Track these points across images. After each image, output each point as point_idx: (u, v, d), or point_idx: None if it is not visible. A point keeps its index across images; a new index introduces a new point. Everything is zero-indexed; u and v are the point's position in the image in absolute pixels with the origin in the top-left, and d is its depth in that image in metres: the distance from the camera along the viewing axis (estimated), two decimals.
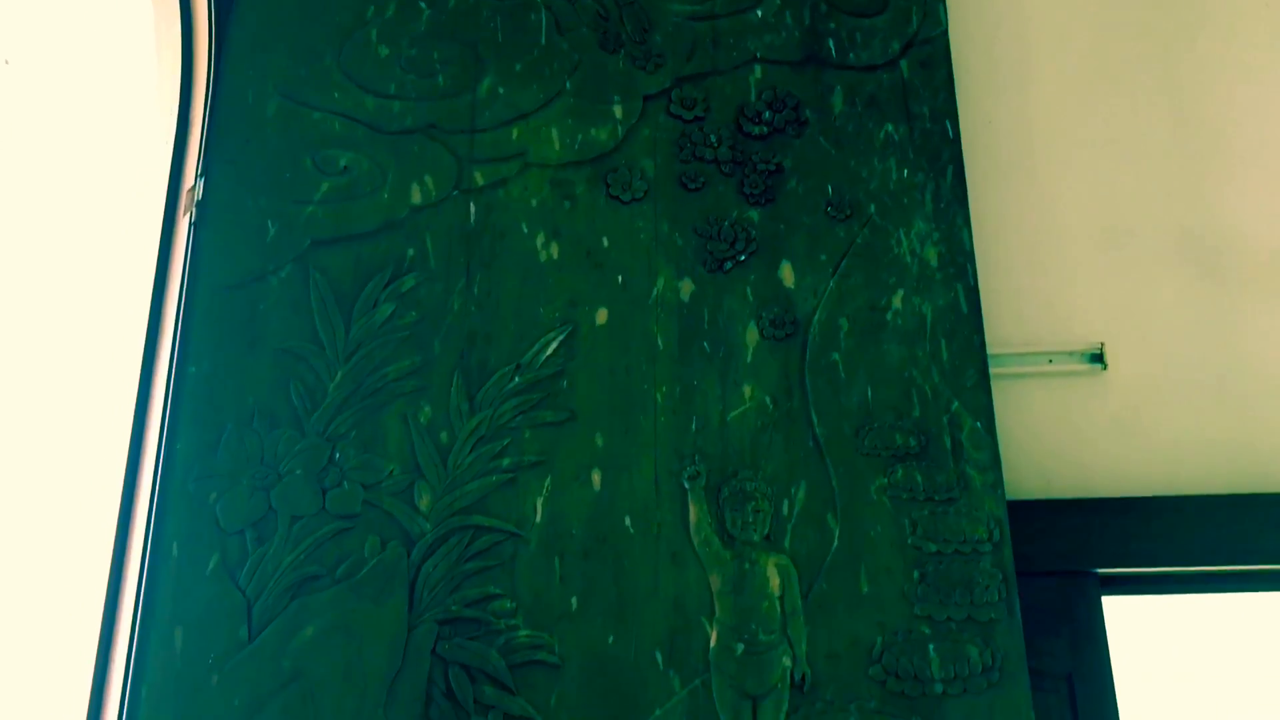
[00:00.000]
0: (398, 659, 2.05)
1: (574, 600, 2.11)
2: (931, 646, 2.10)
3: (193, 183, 2.37)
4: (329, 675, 2.02)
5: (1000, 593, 2.14)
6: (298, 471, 2.15)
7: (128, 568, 2.11)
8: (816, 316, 2.33)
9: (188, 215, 2.34)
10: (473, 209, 2.38)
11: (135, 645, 2.01)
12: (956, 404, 2.27)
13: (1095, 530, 2.33)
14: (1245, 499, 2.35)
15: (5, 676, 2.23)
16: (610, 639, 2.09)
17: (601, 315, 2.32)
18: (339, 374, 2.23)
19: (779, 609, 2.13)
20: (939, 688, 2.08)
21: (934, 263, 2.37)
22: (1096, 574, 2.34)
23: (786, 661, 2.09)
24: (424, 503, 2.16)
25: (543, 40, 2.52)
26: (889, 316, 2.34)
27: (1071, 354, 2.52)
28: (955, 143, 2.47)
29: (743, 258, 2.37)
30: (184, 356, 2.21)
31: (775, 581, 2.14)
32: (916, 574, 2.15)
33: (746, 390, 2.27)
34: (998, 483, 2.21)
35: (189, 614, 2.04)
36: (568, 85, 2.49)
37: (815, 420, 2.25)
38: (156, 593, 2.04)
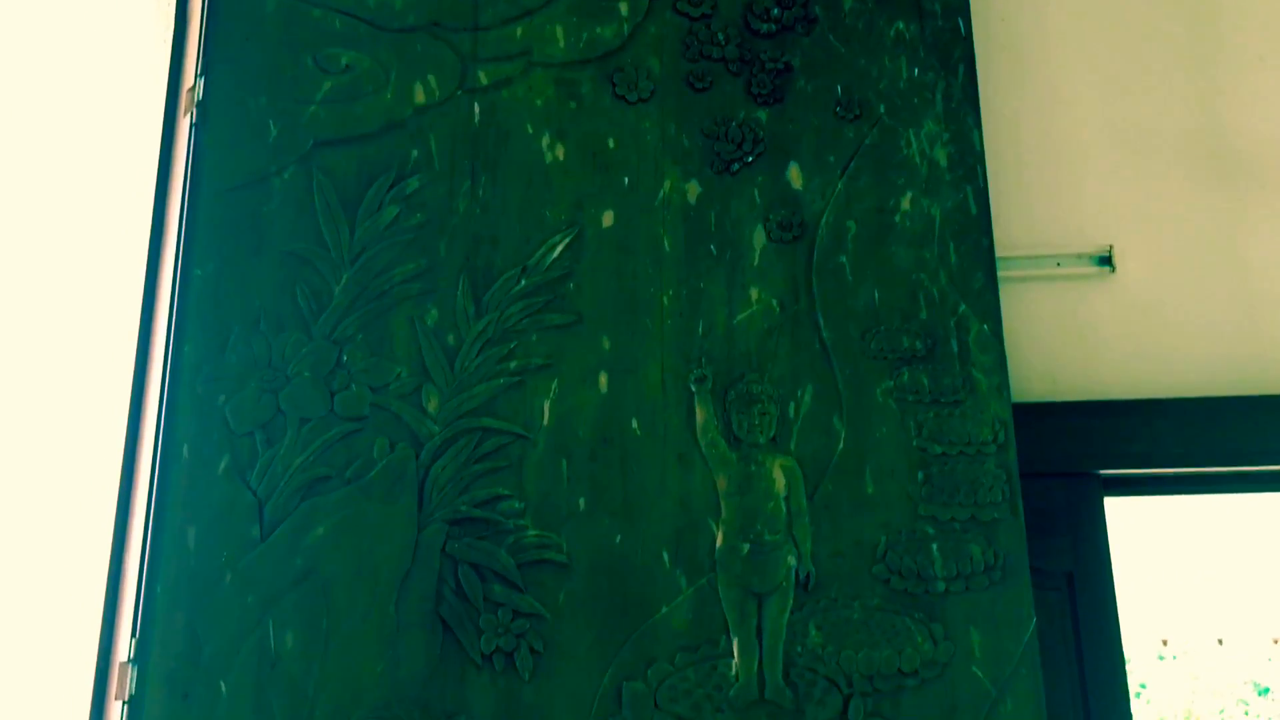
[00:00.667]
0: (408, 558, 2.07)
1: (581, 501, 2.13)
2: (935, 546, 2.13)
3: (193, 82, 2.34)
4: (341, 573, 2.05)
5: (1004, 493, 2.16)
6: (305, 374, 2.16)
7: (139, 470, 2.13)
8: (824, 219, 2.32)
9: (188, 116, 2.31)
10: (477, 109, 2.35)
11: (149, 545, 2.03)
12: (964, 307, 2.26)
13: (1099, 432, 2.35)
14: (1250, 400, 2.36)
15: (19, 579, 2.27)
16: (618, 538, 2.12)
17: (608, 218, 2.30)
18: (344, 277, 2.22)
19: (784, 509, 2.15)
20: (941, 585, 2.11)
21: (943, 164, 2.35)
22: (1099, 475, 2.36)
23: (791, 561, 2.12)
24: (432, 405, 2.16)
25: None
26: (897, 219, 2.32)
27: (1080, 257, 2.50)
28: (967, 40, 2.43)
29: (750, 159, 2.35)
30: (189, 259, 2.20)
31: (781, 483, 2.16)
32: (921, 475, 2.17)
33: (753, 293, 2.27)
34: (1003, 385, 2.22)
35: (201, 514, 2.06)
36: None
37: (822, 323, 2.25)
38: (168, 493, 2.06)
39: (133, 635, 2.00)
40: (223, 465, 2.09)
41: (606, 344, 2.22)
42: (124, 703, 1.96)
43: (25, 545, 2.27)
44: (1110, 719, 2.24)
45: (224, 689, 1.97)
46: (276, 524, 2.07)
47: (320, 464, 2.11)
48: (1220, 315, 2.46)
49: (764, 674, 2.06)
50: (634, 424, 2.18)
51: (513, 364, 2.20)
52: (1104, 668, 2.28)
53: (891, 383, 2.22)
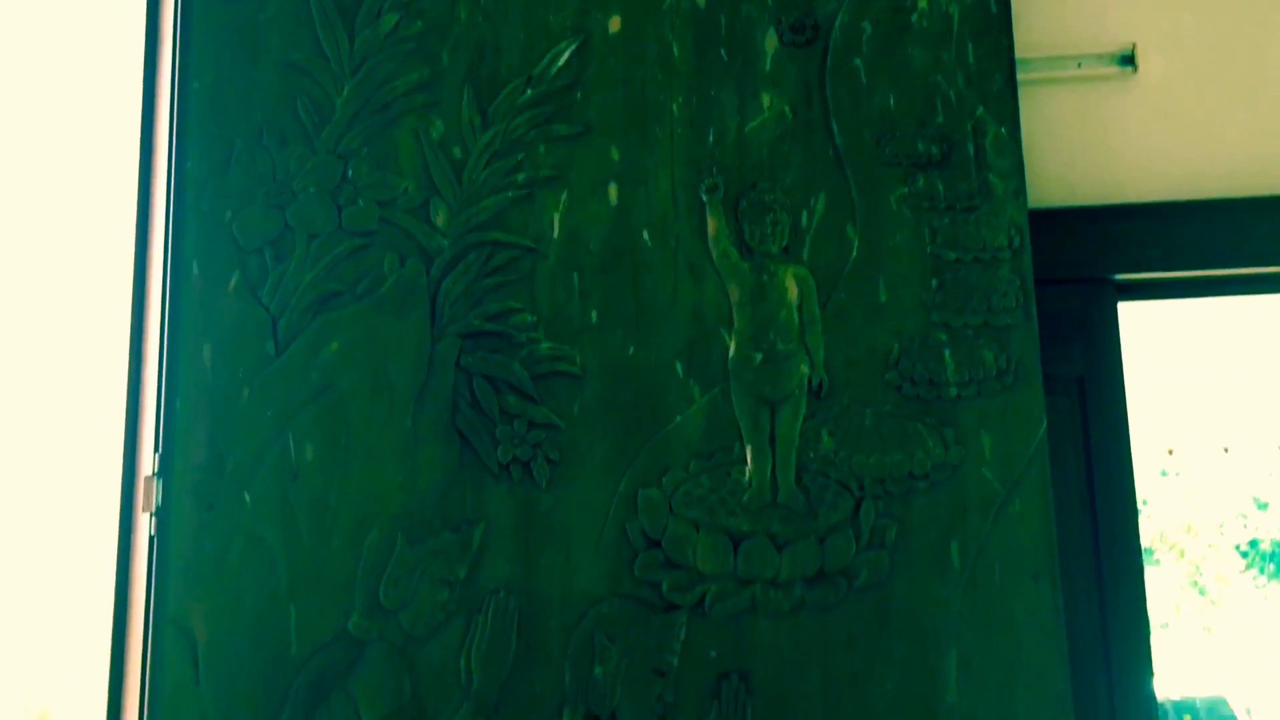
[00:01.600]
0: (422, 371, 2.09)
1: (594, 313, 2.13)
2: (947, 352, 2.13)
3: None
4: (357, 387, 2.07)
5: (1018, 299, 2.15)
6: (311, 189, 2.13)
7: (150, 288, 2.12)
8: (838, 20, 2.24)
9: None
10: None
11: (165, 362, 2.05)
12: (981, 109, 2.21)
13: (1116, 237, 2.32)
14: (1271, 201, 2.32)
15: (42, 399, 2.29)
16: (630, 350, 2.12)
17: (614, 23, 2.23)
18: (346, 89, 2.17)
19: (797, 318, 2.15)
20: (953, 391, 2.12)
21: None
22: (1114, 280, 2.35)
23: (804, 369, 2.13)
24: (440, 219, 2.14)
25: None
26: (914, 19, 2.24)
27: (1101, 56, 2.43)
28: None
29: None
30: (186, 72, 2.15)
31: (793, 292, 2.15)
32: (935, 282, 2.16)
33: (765, 100, 2.21)
34: (1020, 190, 2.18)
35: (215, 331, 2.07)
36: None
37: (835, 129, 2.20)
38: (181, 311, 2.07)
39: (156, 450, 2.03)
40: (233, 282, 2.09)
41: (615, 154, 2.18)
42: (151, 514, 2.01)
43: (45, 365, 2.29)
44: (1117, 519, 2.28)
45: (248, 500, 2.02)
46: (290, 340, 2.08)
47: (331, 279, 2.11)
48: (1242, 115, 2.40)
49: (777, 479, 2.09)
50: (645, 235, 2.16)
51: (520, 176, 2.17)
52: (1112, 470, 2.31)
53: (906, 189, 2.18)
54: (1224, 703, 8.96)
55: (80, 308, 2.29)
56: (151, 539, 2.00)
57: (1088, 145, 2.40)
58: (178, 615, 1.97)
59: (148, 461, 2.04)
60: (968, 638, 2.04)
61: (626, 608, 2.04)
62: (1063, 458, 2.27)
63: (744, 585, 2.05)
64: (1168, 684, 8.50)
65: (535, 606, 2.03)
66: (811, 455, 2.10)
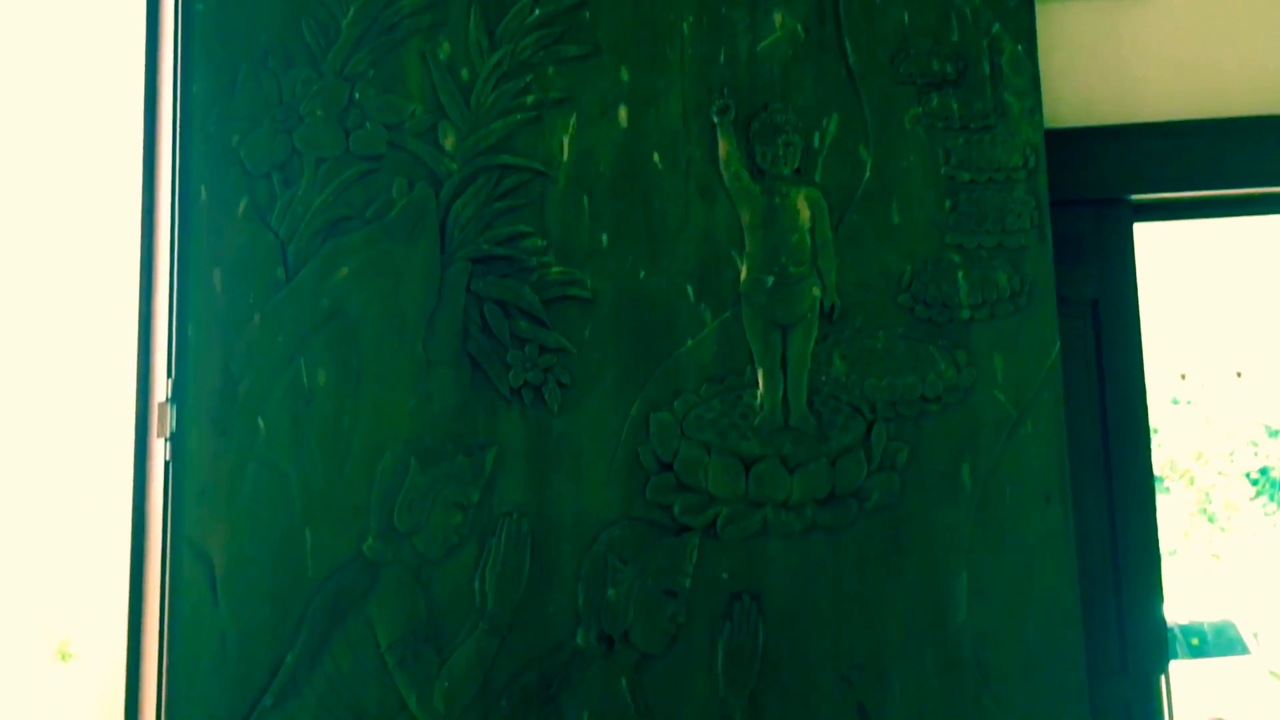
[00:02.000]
0: (433, 296, 2.08)
1: (604, 237, 2.12)
2: (960, 274, 2.12)
3: None
4: (367, 312, 2.07)
5: (1032, 219, 2.13)
6: (318, 112, 2.11)
7: (158, 213, 2.11)
8: None
9: None
10: None
11: (176, 288, 2.05)
12: (997, 27, 2.17)
13: (1132, 156, 2.29)
14: None
15: (54, 325, 2.29)
16: (641, 274, 2.11)
17: None
18: (351, 10, 2.14)
19: (809, 241, 2.13)
20: (966, 313, 2.11)
21: None
22: (1130, 201, 2.32)
23: (816, 292, 2.12)
24: (449, 142, 2.12)
25: None
26: None
27: None
28: None
29: None
30: None
31: (805, 214, 2.13)
32: (949, 203, 2.13)
33: (777, 18, 2.17)
34: (1036, 108, 2.15)
35: (225, 256, 2.06)
36: None
37: (848, 48, 2.17)
38: (190, 236, 2.06)
39: (169, 376, 2.03)
40: (242, 207, 2.08)
41: (625, 75, 2.15)
42: (166, 440, 2.02)
43: (57, 293, 2.29)
44: (1129, 442, 2.28)
45: (262, 425, 2.03)
46: (300, 265, 2.07)
47: (340, 204, 2.09)
48: (1263, 31, 2.35)
49: (788, 402, 2.09)
50: (655, 158, 2.14)
51: (529, 98, 2.14)
52: (1125, 393, 2.31)
53: (920, 109, 2.15)
54: (1231, 626, 9.03)
55: (90, 234, 2.28)
56: (167, 464, 2.02)
57: (1105, 63, 2.36)
58: (195, 539, 1.99)
59: (161, 387, 2.05)
60: (978, 559, 2.05)
61: (639, 530, 2.05)
62: (1075, 380, 2.26)
63: (755, 508, 2.06)
64: (1175, 609, 8.57)
65: (548, 529, 2.04)
66: (823, 378, 2.09)
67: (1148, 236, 2.44)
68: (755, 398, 2.09)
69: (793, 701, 2.02)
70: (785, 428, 2.08)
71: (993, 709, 2.01)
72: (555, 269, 2.11)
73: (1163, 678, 2.24)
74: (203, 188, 2.07)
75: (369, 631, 1.99)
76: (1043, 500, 2.07)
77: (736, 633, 2.03)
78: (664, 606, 2.03)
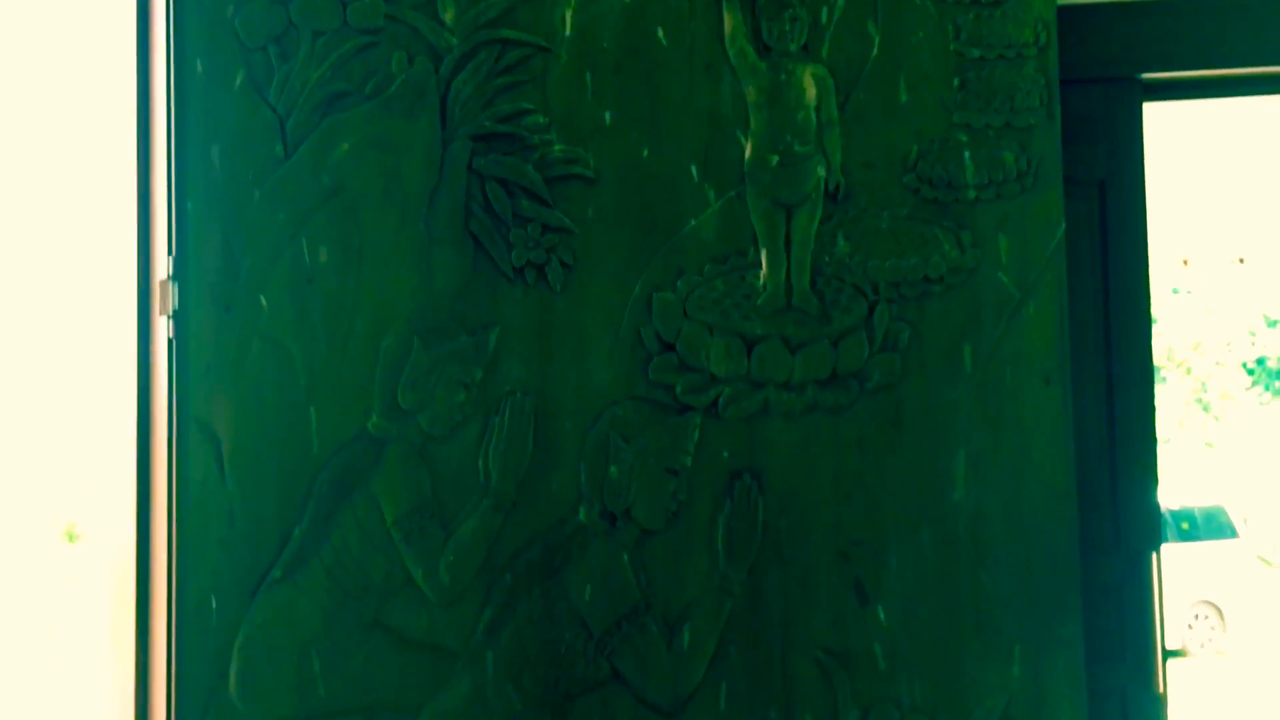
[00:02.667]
0: (434, 174, 2.06)
1: (607, 115, 2.09)
2: (967, 154, 2.10)
3: None
4: (368, 190, 2.05)
5: (1042, 98, 2.10)
6: None
7: (154, 87, 2.08)
8: None
9: None
10: None
11: (174, 164, 2.02)
12: None
13: (1145, 33, 2.25)
14: None
15: (54, 202, 2.28)
16: (645, 152, 2.09)
17: None
18: None
19: (814, 120, 2.10)
20: (972, 194, 2.09)
21: None
22: (1140, 80, 2.29)
23: (821, 171, 2.10)
24: (449, 15, 2.08)
25: None
26: None
27: None
28: None
29: None
30: None
31: (811, 92, 2.10)
32: (957, 81, 2.10)
33: None
34: None
35: (223, 131, 2.03)
36: None
37: None
38: (187, 111, 2.03)
39: (169, 253, 2.03)
40: (239, 81, 2.04)
41: None
42: (169, 317, 2.02)
43: (53, 168, 2.27)
44: (1131, 321, 2.29)
45: (264, 303, 2.03)
46: (299, 142, 2.04)
47: (338, 79, 2.06)
48: None
49: (791, 283, 2.09)
50: (659, 33, 2.10)
51: None
52: (1128, 276, 2.31)
53: None
54: (1222, 511, 9.18)
55: (85, 109, 2.25)
56: (170, 342, 2.02)
57: None
58: (200, 416, 2.01)
59: (162, 265, 2.04)
60: (976, 438, 2.07)
61: (641, 409, 2.07)
62: (1079, 263, 2.26)
63: (757, 388, 2.07)
64: (1167, 495, 8.69)
65: (551, 408, 2.06)
66: (826, 259, 2.09)
67: (1156, 116, 2.41)
68: (758, 278, 2.08)
69: (791, 577, 2.06)
70: (788, 308, 2.09)
71: (987, 583, 2.05)
72: (558, 147, 2.08)
73: (1154, 555, 2.29)
74: (199, 61, 2.03)
75: (375, 507, 2.02)
76: (1042, 381, 2.08)
77: (737, 510, 2.06)
78: (665, 484, 2.06)
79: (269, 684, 1.98)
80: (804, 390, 2.07)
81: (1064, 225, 2.08)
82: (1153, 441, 2.32)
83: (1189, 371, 13.70)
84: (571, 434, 2.06)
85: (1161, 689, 2.22)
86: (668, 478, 2.06)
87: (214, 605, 1.98)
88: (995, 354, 2.08)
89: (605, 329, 2.07)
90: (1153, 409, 2.33)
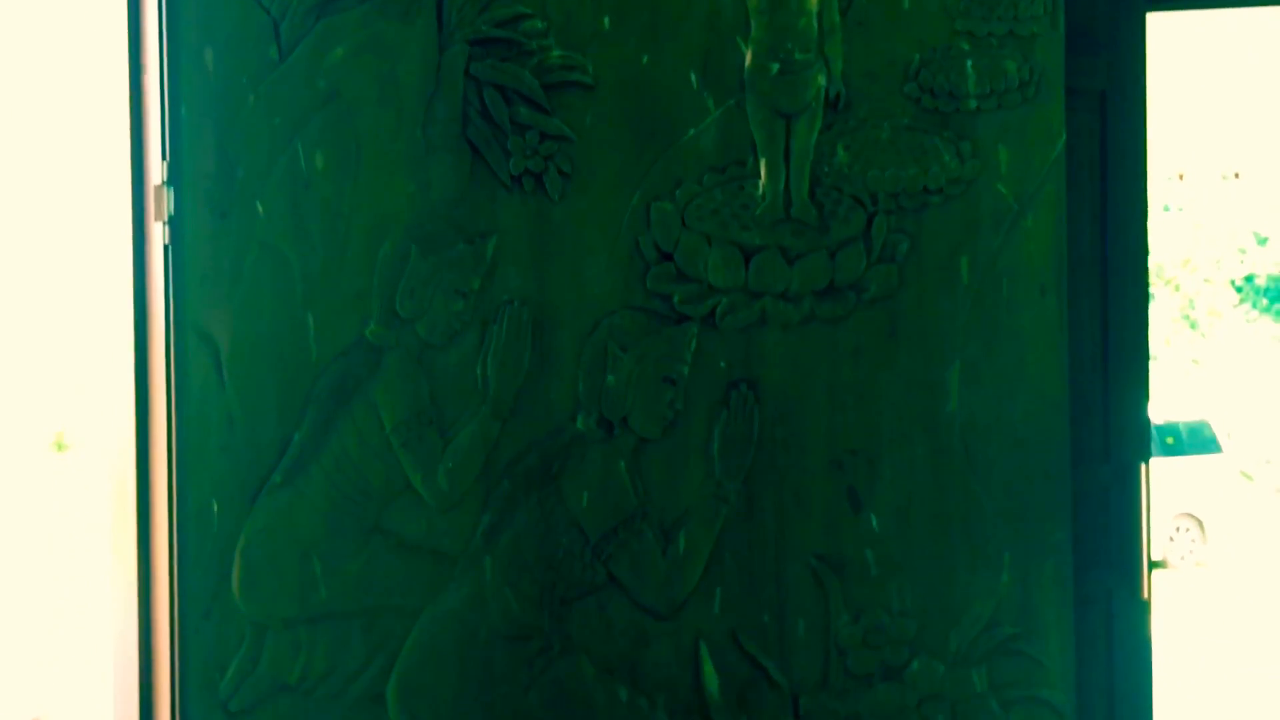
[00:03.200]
0: (431, 79, 2.04)
1: (606, 20, 2.06)
2: (969, 63, 2.08)
3: None
4: (364, 95, 2.03)
5: (1045, 6, 2.07)
6: None
7: None
8: None
9: None
10: None
11: (166, 66, 1.99)
12: None
13: None
14: None
15: (45, 105, 2.25)
16: (644, 59, 2.07)
17: None
18: None
19: (816, 27, 2.08)
20: (973, 104, 2.08)
21: None
22: None
23: (821, 80, 2.08)
24: None
25: None
26: None
27: None
28: None
29: None
30: None
31: None
32: None
33: None
34: None
35: (217, 34, 2.00)
36: None
37: None
38: (180, 13, 1.99)
39: (164, 158, 2.01)
40: None
41: None
42: (164, 223, 2.01)
43: (49, 71, 2.23)
44: (1128, 232, 2.29)
45: (260, 209, 2.01)
46: (294, 45, 2.01)
47: None
48: None
49: (790, 193, 2.08)
50: None
51: None
52: (1127, 188, 2.30)
53: None
54: (1206, 426, 9.28)
55: (76, 11, 2.21)
56: (166, 248, 2.01)
57: None
58: (198, 323, 2.01)
59: (156, 170, 2.02)
60: (972, 349, 2.09)
61: (638, 319, 2.07)
62: (1078, 174, 2.25)
63: (754, 298, 2.08)
64: (1152, 410, 8.79)
65: (549, 317, 2.06)
66: (826, 169, 2.08)
67: (1158, 27, 2.38)
68: (757, 188, 2.08)
69: (786, 485, 2.09)
70: (786, 219, 2.08)
71: (978, 492, 2.08)
72: (556, 53, 2.06)
73: (1143, 466, 2.32)
74: None
75: (373, 414, 2.03)
76: (1039, 293, 2.09)
77: (733, 419, 2.08)
78: (662, 393, 2.07)
79: (271, 587, 2.01)
80: (801, 301, 2.08)
81: (1064, 136, 2.07)
82: (1145, 355, 2.34)
83: (1177, 289, 13.74)
84: (569, 343, 2.06)
85: (1147, 595, 2.27)
86: (665, 387, 2.08)
87: (215, 510, 2.00)
88: (993, 265, 2.08)
89: (603, 238, 2.06)
90: (1146, 323, 2.34)
